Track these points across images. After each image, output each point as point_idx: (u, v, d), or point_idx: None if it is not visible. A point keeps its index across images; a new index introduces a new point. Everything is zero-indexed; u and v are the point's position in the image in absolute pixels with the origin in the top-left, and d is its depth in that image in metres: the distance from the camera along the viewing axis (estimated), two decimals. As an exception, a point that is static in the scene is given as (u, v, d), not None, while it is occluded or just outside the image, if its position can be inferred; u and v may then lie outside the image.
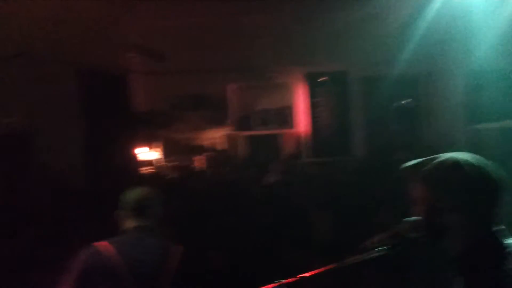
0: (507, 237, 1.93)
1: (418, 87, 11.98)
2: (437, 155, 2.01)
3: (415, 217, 1.97)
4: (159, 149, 12.01)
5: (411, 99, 12.01)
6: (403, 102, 11.99)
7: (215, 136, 12.42)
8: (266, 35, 11.33)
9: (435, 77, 11.02)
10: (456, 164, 1.96)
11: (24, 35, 7.53)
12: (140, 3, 9.59)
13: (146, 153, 11.57)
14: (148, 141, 11.70)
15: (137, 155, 11.14)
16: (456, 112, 10.56)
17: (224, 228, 6.29)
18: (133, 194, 3.49)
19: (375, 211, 6.53)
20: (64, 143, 8.54)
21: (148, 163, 11.36)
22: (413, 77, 11.71)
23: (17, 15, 7.40)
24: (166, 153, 12.05)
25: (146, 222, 3.37)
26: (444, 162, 1.98)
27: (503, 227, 1.95)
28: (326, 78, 12.24)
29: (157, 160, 11.89)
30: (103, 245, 3.19)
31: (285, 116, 12.39)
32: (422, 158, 2.06)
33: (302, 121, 12.40)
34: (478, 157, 1.98)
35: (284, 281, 1.98)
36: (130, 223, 3.38)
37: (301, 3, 10.34)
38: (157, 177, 10.52)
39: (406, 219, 1.98)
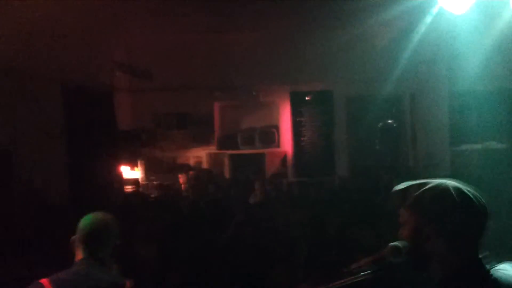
0: (492, 263, 1.93)
1: (402, 108, 12.05)
2: (426, 181, 2.02)
3: (400, 242, 1.96)
4: (143, 167, 11.93)
5: (394, 120, 12.07)
6: (387, 122, 12.05)
7: (200, 155, 12.38)
8: (252, 53, 11.36)
9: (419, 97, 11.09)
10: (445, 191, 1.96)
11: (8, 50, 7.47)
12: (126, 20, 9.56)
13: (130, 171, 11.48)
14: (132, 159, 11.62)
15: (121, 173, 11.05)
16: (440, 133, 10.61)
17: (206, 247, 6.23)
18: (88, 220, 3.19)
19: (359, 232, 6.52)
20: (47, 160, 8.46)
21: (132, 181, 11.26)
22: (398, 97, 11.81)
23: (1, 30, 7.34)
24: (150, 171, 11.98)
25: (98, 252, 3.12)
26: (433, 189, 1.98)
27: (487, 253, 1.95)
28: (311, 97, 12.27)
29: (141, 178, 11.81)
30: (45, 283, 2.94)
31: (270, 134, 12.39)
32: (408, 180, 2.06)
33: (287, 140, 12.40)
34: (464, 184, 1.99)
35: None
36: (80, 253, 3.14)
37: (287, 22, 10.38)
38: (140, 196, 10.44)
39: (391, 243, 1.96)
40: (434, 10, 8.02)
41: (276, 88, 12.11)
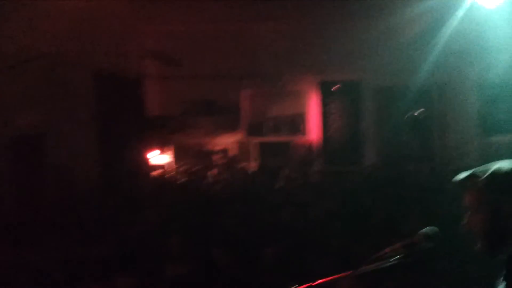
0: None
1: (431, 98, 11.94)
2: (487, 165, 2.08)
3: (430, 228, 2.02)
4: (170, 153, 12.06)
5: (423, 110, 11.98)
6: (415, 112, 11.97)
7: (227, 142, 12.45)
8: (281, 42, 11.37)
9: (449, 88, 11.00)
10: (511, 170, 2.03)
11: (43, 38, 7.61)
12: (156, 8, 9.66)
13: (157, 157, 11.62)
14: (160, 145, 11.76)
15: (148, 159, 11.22)
16: (470, 124, 10.54)
17: (232, 232, 6.33)
18: None
19: (384, 220, 6.55)
20: (77, 144, 8.62)
21: (160, 166, 11.42)
22: (427, 87, 11.67)
23: (36, 19, 7.48)
24: (178, 158, 12.10)
25: None
26: (498, 169, 2.06)
27: None
28: (339, 86, 12.24)
29: (168, 164, 11.95)
30: None
31: (297, 123, 12.39)
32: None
33: (314, 129, 12.40)
34: None
35: (299, 287, 2.01)
36: None
37: (316, 10, 10.36)
38: (168, 181, 10.59)
39: (423, 230, 2.02)
40: (467, 3, 7.95)
41: (303, 77, 12.10)
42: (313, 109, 12.40)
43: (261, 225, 6.64)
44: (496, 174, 2.02)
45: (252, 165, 12.03)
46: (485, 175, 2.03)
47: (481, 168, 2.07)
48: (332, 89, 12.25)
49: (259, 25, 11.23)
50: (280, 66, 11.54)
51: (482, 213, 2.02)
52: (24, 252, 5.63)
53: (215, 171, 11.04)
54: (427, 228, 2.02)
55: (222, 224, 6.82)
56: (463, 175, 2.10)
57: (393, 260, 1.98)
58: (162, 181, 10.29)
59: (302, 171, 10.93)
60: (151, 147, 11.30)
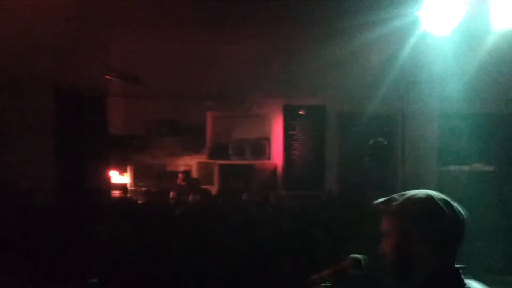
0: (466, 275, 2.02)
1: (392, 126, 12.11)
2: (406, 192, 2.12)
3: (358, 255, 2.03)
4: (132, 173, 11.96)
5: (386, 138, 12.13)
6: (378, 139, 12.11)
7: (190, 163, 12.40)
8: (247, 65, 11.42)
9: (409, 117, 11.16)
10: (423, 198, 2.09)
11: (3, 52, 7.51)
12: (120, 27, 9.63)
13: (119, 176, 11.50)
14: (122, 164, 11.64)
15: (110, 178, 11.08)
16: (428, 153, 10.68)
17: (190, 256, 6.26)
18: None
19: (343, 246, 6.56)
20: (36, 161, 8.48)
21: (121, 186, 11.29)
22: (388, 116, 11.86)
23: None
24: (140, 178, 12.00)
25: None
26: (412, 196, 2.11)
27: (463, 265, 2.04)
28: (304, 111, 12.34)
29: (130, 184, 11.83)
30: None
31: (261, 147, 12.43)
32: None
33: (278, 153, 12.45)
34: (442, 194, 2.10)
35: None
36: None
37: (282, 35, 10.46)
38: (129, 201, 10.44)
39: (352, 255, 2.03)
40: (418, 32, 8.08)
41: (269, 101, 12.18)
42: (277, 133, 12.46)
43: (221, 247, 6.59)
44: (409, 201, 2.08)
45: (215, 188, 11.98)
46: (399, 201, 2.08)
47: (399, 194, 2.12)
48: (299, 113, 12.35)
49: (226, 47, 11.28)
50: (246, 89, 11.59)
51: (393, 238, 2.07)
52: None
53: (177, 192, 10.94)
54: (354, 255, 2.03)
55: (180, 246, 6.75)
56: (381, 199, 2.14)
57: (322, 286, 1.98)
58: (122, 201, 10.14)
59: (265, 194, 10.92)
60: (112, 167, 11.19)
